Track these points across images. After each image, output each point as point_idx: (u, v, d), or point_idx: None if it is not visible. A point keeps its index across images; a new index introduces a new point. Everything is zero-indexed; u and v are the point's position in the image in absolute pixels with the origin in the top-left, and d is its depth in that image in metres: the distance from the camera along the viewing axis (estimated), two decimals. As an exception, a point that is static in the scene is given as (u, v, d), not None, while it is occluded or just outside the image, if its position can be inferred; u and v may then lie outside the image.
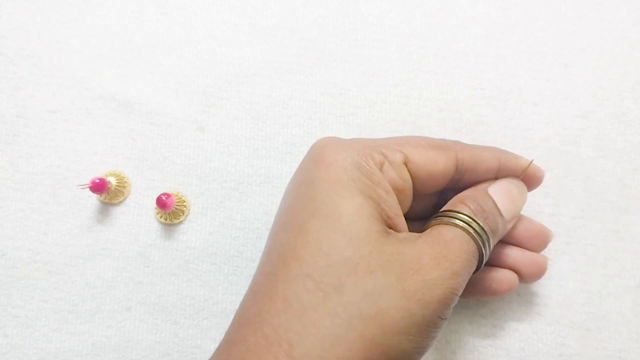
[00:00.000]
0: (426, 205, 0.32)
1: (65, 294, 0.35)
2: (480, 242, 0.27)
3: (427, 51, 0.40)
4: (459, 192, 0.30)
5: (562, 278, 0.35)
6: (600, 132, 0.38)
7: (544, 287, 0.35)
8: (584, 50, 0.40)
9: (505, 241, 0.32)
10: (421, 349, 0.25)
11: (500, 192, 0.29)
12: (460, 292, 0.26)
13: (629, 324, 0.34)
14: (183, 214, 0.36)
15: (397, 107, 0.38)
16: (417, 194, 0.29)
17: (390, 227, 0.26)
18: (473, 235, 0.27)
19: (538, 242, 0.32)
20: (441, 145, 0.29)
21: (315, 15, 0.40)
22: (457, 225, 0.27)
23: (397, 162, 0.28)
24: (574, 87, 0.39)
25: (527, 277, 0.32)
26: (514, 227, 0.32)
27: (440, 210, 0.29)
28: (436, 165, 0.28)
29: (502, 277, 0.31)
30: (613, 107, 0.38)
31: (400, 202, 0.28)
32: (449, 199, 0.30)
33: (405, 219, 0.28)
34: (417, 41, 0.40)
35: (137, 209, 0.36)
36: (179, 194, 0.36)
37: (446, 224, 0.27)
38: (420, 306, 0.24)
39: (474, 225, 0.27)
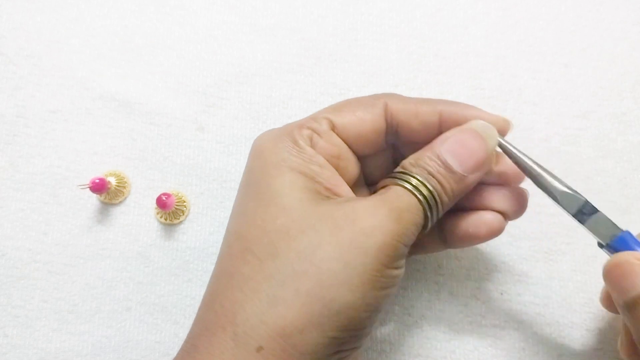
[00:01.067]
0: (382, 166, 0.31)
1: (65, 294, 0.35)
2: (423, 201, 0.26)
3: (427, 51, 0.40)
4: (415, 147, 0.29)
5: (562, 278, 0.35)
6: (600, 132, 0.38)
7: (544, 287, 0.35)
8: (584, 50, 0.40)
9: (483, 181, 0.30)
10: (370, 302, 0.24)
11: (453, 147, 0.27)
12: (405, 241, 0.25)
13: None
14: (183, 214, 0.36)
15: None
16: (361, 155, 0.29)
17: (329, 192, 0.27)
18: (417, 194, 0.26)
19: (512, 174, 0.30)
20: (368, 102, 0.29)
21: (315, 15, 0.40)
22: (397, 184, 0.26)
23: (322, 130, 0.28)
24: (574, 87, 0.39)
25: (509, 215, 0.30)
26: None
27: (389, 173, 0.28)
28: (363, 123, 0.28)
29: (479, 219, 0.29)
30: (613, 107, 0.38)
31: (343, 168, 0.28)
32: (407, 155, 0.29)
33: (366, 185, 0.29)
34: (417, 41, 0.40)
35: (137, 209, 0.36)
36: (179, 194, 0.36)
37: (391, 185, 0.27)
38: (357, 255, 0.24)
39: (419, 186, 0.26)
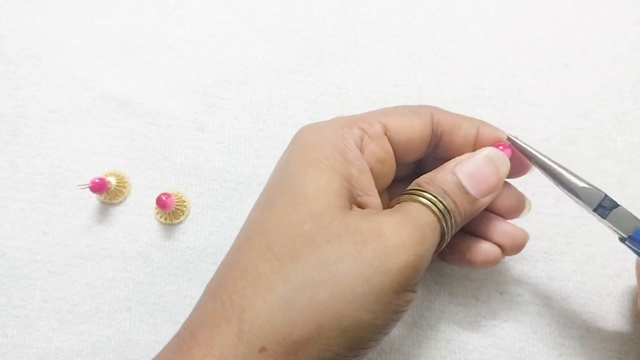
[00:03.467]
0: (405, 175, 0.32)
1: (65, 294, 0.35)
2: (442, 219, 0.26)
3: (427, 51, 0.40)
4: (437, 161, 0.30)
5: (562, 278, 0.35)
6: (600, 132, 0.38)
7: (544, 287, 0.35)
8: (584, 50, 0.40)
9: (490, 210, 0.31)
10: (380, 324, 0.24)
11: (468, 169, 0.28)
12: (425, 262, 0.25)
13: (629, 324, 0.34)
14: (183, 214, 0.36)
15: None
16: (398, 162, 0.30)
17: (359, 206, 0.27)
18: (435, 211, 0.26)
19: (512, 207, 0.31)
20: (417, 109, 0.29)
21: (315, 15, 0.40)
22: (420, 202, 0.27)
23: (376, 133, 0.28)
24: (574, 87, 0.39)
25: (505, 250, 0.31)
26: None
27: (406, 189, 0.28)
28: (413, 129, 0.29)
29: (478, 248, 0.30)
30: (613, 107, 0.38)
31: (385, 174, 0.29)
32: (428, 169, 0.30)
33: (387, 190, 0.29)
34: (417, 41, 0.40)
35: (137, 209, 0.36)
36: (179, 194, 0.36)
37: (409, 201, 0.27)
38: (378, 273, 0.24)
39: (437, 203, 0.27)
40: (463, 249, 0.30)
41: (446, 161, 0.30)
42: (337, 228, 0.24)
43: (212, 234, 0.36)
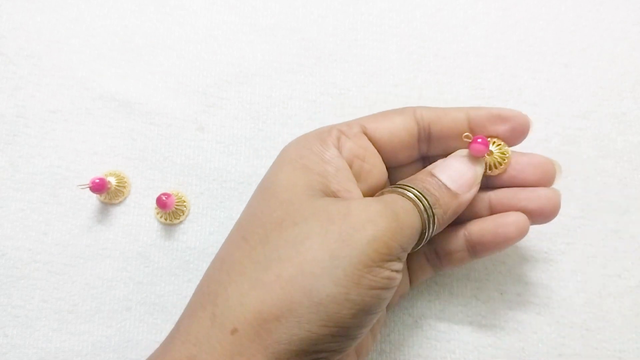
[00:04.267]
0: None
1: (65, 294, 0.35)
2: (419, 204, 0.27)
3: (427, 51, 0.40)
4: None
5: (562, 278, 0.35)
6: (600, 132, 0.38)
7: (544, 287, 0.35)
8: (584, 50, 0.40)
9: (512, 184, 0.31)
10: (355, 300, 0.24)
11: (444, 168, 0.29)
12: (401, 241, 0.25)
13: (629, 324, 0.34)
14: (183, 214, 0.36)
15: (397, 107, 0.38)
16: (390, 162, 0.30)
17: (335, 194, 0.27)
18: (410, 197, 0.27)
19: (541, 173, 0.31)
20: (398, 110, 0.30)
21: (315, 15, 0.40)
22: (401, 194, 0.27)
23: (353, 132, 0.29)
24: (574, 87, 0.39)
25: (538, 215, 0.30)
26: (513, 166, 0.31)
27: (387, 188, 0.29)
28: (394, 123, 0.29)
29: (507, 219, 0.30)
30: (613, 107, 0.38)
31: (367, 172, 0.29)
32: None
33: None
34: (417, 41, 0.40)
35: (137, 209, 0.36)
36: (179, 194, 0.36)
37: (388, 192, 0.28)
38: (345, 246, 0.24)
39: (422, 198, 0.27)
40: (493, 227, 0.30)
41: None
42: (305, 211, 0.25)
43: (212, 234, 0.36)
